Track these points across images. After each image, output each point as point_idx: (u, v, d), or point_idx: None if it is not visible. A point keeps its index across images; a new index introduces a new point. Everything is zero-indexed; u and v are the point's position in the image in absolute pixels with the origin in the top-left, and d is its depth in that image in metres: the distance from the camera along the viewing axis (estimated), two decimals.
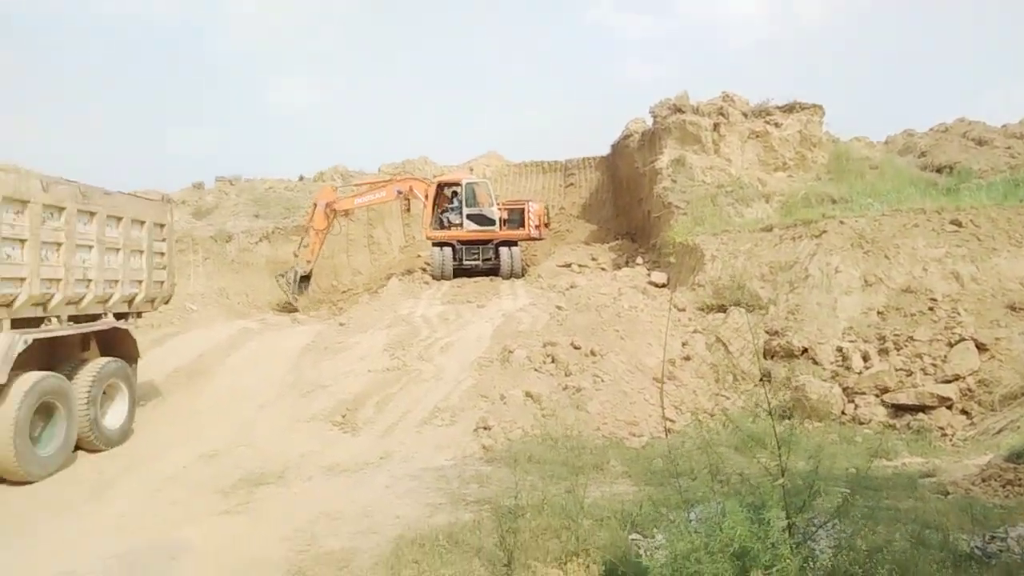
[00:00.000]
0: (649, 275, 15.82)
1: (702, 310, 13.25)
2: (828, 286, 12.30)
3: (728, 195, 16.50)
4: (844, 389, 10.60)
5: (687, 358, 11.28)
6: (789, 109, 18.96)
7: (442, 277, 18.84)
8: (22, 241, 7.34)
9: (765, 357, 11.54)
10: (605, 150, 25.34)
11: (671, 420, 9.35)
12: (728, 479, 6.17)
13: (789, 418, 9.17)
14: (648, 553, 4.79)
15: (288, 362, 12.52)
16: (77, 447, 8.21)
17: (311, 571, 5.13)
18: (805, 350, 11.39)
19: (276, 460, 8.27)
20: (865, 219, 13.46)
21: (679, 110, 18.98)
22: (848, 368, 10.93)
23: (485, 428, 8.98)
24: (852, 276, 12.40)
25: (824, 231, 13.26)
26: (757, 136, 18.78)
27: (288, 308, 19.11)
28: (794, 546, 3.60)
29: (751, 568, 3.60)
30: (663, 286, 15.01)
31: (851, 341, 11.41)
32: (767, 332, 11.94)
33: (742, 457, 7.19)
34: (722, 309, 12.86)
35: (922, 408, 10.00)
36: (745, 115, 19.02)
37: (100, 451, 8.50)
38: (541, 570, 4.37)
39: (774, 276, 13.11)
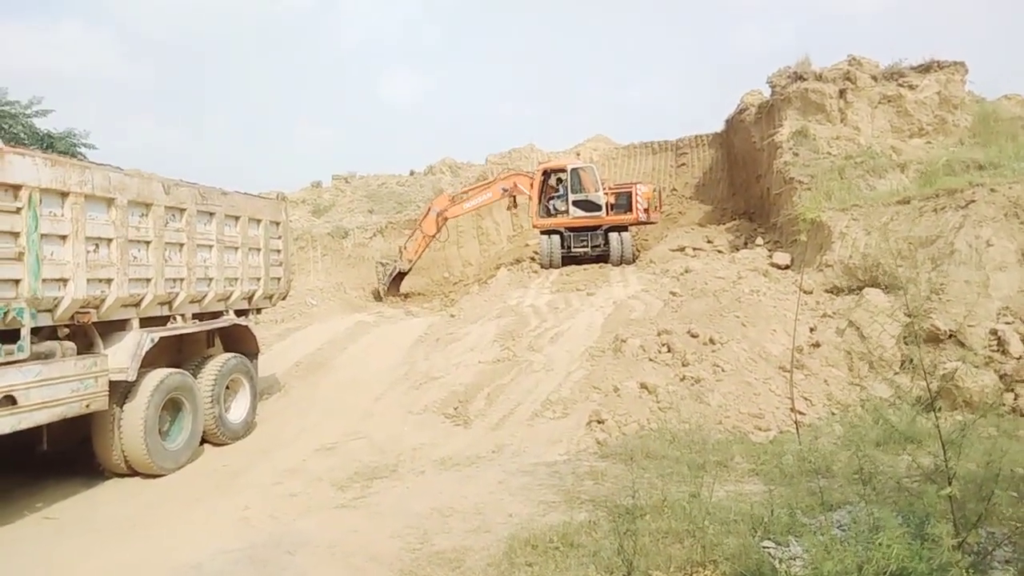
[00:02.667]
0: (770, 256, 14.89)
1: (831, 292, 12.27)
2: (978, 262, 11.04)
3: (857, 166, 15.21)
4: (1001, 376, 9.46)
5: (816, 345, 10.44)
6: (925, 69, 17.29)
7: (551, 265, 18.59)
8: (147, 243, 7.67)
9: (905, 342, 10.51)
10: (718, 126, 24.23)
11: (801, 413, 8.64)
12: (871, 480, 5.56)
13: (936, 410, 8.28)
14: (784, 565, 4.31)
15: (401, 354, 12.66)
16: (203, 441, 8.56)
17: (423, 572, 4.99)
18: (952, 334, 10.27)
19: (390, 453, 8.30)
20: (1021, 185, 11.99)
21: (800, 78, 17.73)
22: (1005, 353, 9.75)
23: (598, 422, 8.64)
24: (1007, 249, 11.07)
25: (972, 201, 11.92)
26: (889, 101, 17.25)
27: (377, 296, 19.74)
28: (967, 569, 3.05)
29: None
30: (786, 268, 14.07)
31: (1008, 323, 10.18)
32: (907, 315, 10.86)
33: (886, 455, 6.51)
34: (854, 290, 11.86)
35: None
36: (875, 79, 17.51)
37: (225, 444, 8.83)
38: None
39: (913, 253, 11.92)
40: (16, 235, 6.14)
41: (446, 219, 20.14)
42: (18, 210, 6.15)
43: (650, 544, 4.82)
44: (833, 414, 8.73)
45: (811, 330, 10.80)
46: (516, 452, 8.15)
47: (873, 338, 10.31)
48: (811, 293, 12.07)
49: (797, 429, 8.02)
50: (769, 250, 15.58)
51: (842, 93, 17.40)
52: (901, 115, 17.21)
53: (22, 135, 13.48)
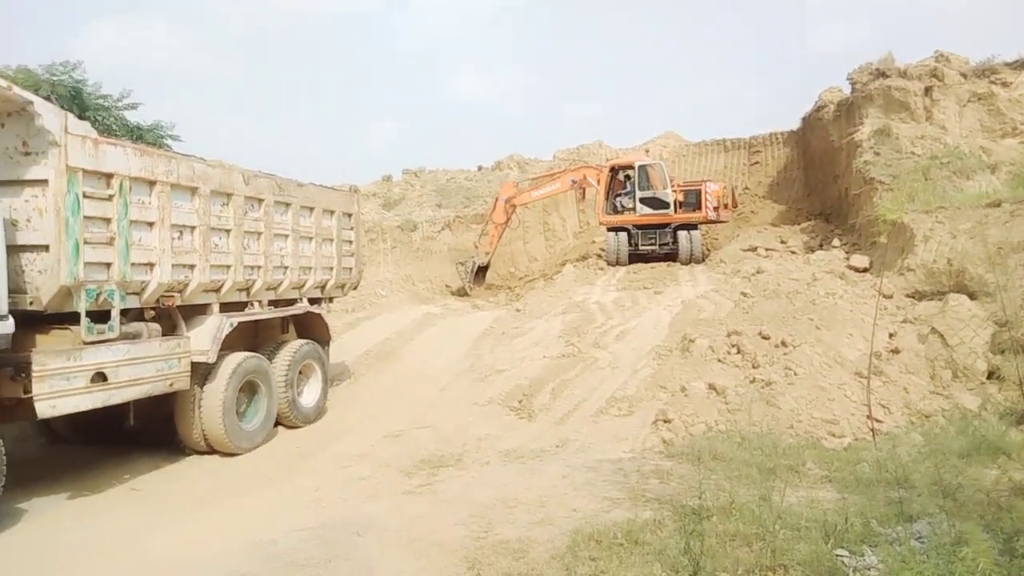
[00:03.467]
0: (847, 258, 14.38)
1: (912, 297, 11.76)
2: None
3: (943, 167, 14.53)
4: None
5: (895, 351, 10.03)
6: (1020, 66, 16.39)
7: (617, 263, 18.44)
8: (227, 231, 7.97)
9: (993, 351, 9.99)
10: (793, 124, 23.56)
11: (878, 420, 8.32)
12: (954, 492, 5.32)
13: None
14: (858, 574, 4.18)
15: (467, 346, 12.79)
16: (277, 423, 8.85)
17: (487, 560, 5.04)
18: None
19: (455, 442, 8.39)
20: None
21: (883, 75, 17.06)
22: None
23: (665, 421, 8.53)
24: None
25: None
26: (979, 99, 16.42)
27: (461, 294, 19.79)
28: None
29: None
30: (864, 271, 13.56)
31: None
32: (995, 323, 10.32)
33: (971, 467, 6.21)
34: (937, 296, 11.33)
35: None
36: (964, 76, 16.70)
37: (297, 427, 9.10)
38: None
39: (1004, 258, 11.32)
40: (108, 221, 6.47)
41: (514, 206, 20.11)
42: (110, 197, 6.48)
43: (717, 546, 4.74)
44: (912, 423, 8.37)
45: (890, 336, 10.38)
46: (580, 448, 8.13)
47: (958, 346, 9.84)
48: (891, 297, 11.60)
49: (874, 436, 7.75)
50: (846, 252, 15.06)
51: (928, 91, 16.67)
52: (992, 114, 16.37)
53: (114, 126, 14.15)
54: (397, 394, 10.69)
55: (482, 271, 20.38)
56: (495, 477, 7.06)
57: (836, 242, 16.35)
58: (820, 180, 21.02)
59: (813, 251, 16.21)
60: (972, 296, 10.72)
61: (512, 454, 7.89)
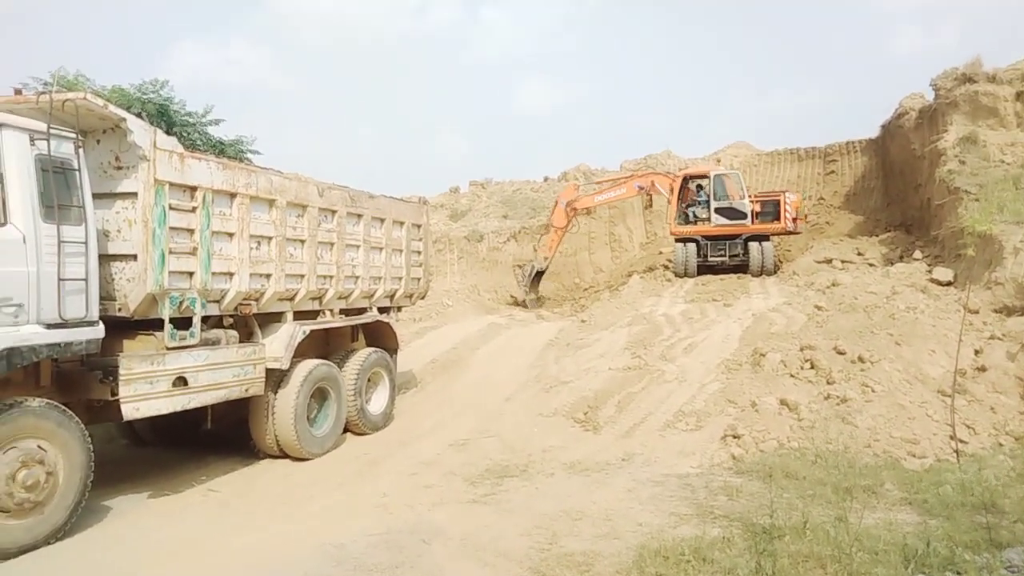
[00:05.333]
0: (930, 271, 13.75)
1: (1000, 312, 11.16)
2: None
3: None
4: None
5: (982, 368, 9.52)
6: None
7: (685, 274, 18.15)
8: (302, 241, 8.22)
9: None
10: (871, 132, 22.77)
11: (963, 441, 7.90)
12: None
13: None
14: None
15: (532, 357, 12.79)
16: (345, 430, 9.04)
17: (552, 571, 5.02)
18: None
19: (520, 453, 8.40)
20: None
21: (969, 80, 16.32)
22: None
23: (734, 436, 8.32)
24: None
25: None
26: None
27: (518, 303, 19.57)
28: None
29: None
30: (948, 284, 12.94)
31: None
32: None
33: None
34: None
35: None
36: None
37: (366, 434, 9.28)
38: None
39: None
40: (191, 232, 6.78)
41: (575, 210, 19.85)
42: (194, 209, 6.78)
43: (789, 567, 4.59)
44: (1000, 445, 7.92)
45: (976, 352, 9.86)
46: (646, 461, 8.01)
47: None
48: (977, 313, 11.03)
49: (958, 458, 7.36)
50: (928, 265, 14.41)
51: (1019, 95, 15.87)
52: None
53: (198, 142, 14.82)
54: (463, 403, 10.77)
55: (539, 276, 20.15)
56: (560, 488, 7.03)
57: (917, 254, 15.68)
58: (900, 190, 20.23)
59: (892, 263, 15.59)
60: None
61: (577, 466, 7.84)
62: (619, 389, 10.32)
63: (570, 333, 13.90)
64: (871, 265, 16.21)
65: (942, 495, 6.09)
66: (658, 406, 9.66)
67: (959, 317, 10.36)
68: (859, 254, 17.31)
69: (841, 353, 9.92)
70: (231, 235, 7.25)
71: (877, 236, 18.91)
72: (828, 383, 9.35)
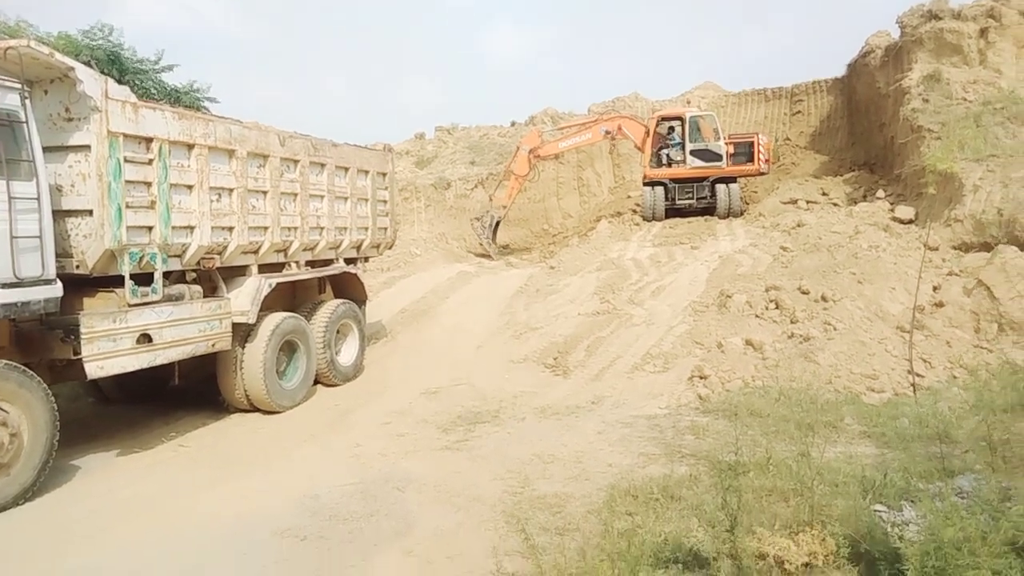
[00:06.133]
0: (892, 210, 13.96)
1: (959, 249, 11.42)
2: None
3: (997, 113, 13.89)
4: None
5: (940, 304, 9.78)
6: None
7: (654, 218, 18.18)
8: (264, 192, 8.04)
9: None
10: (838, 71, 22.71)
11: (919, 375, 8.17)
12: (999, 448, 5.22)
13: None
14: (896, 530, 4.14)
15: (502, 304, 12.83)
16: (316, 382, 9.03)
17: (525, 514, 5.12)
18: None
19: (491, 399, 8.49)
20: None
21: (935, 16, 16.28)
22: None
23: (701, 377, 8.50)
24: None
25: None
26: None
27: (482, 254, 18.98)
28: None
29: None
30: (910, 222, 13.17)
31: None
32: None
33: (1017, 421, 6.08)
34: (986, 248, 10.98)
35: None
36: None
37: (336, 386, 9.29)
38: (768, 538, 3.92)
39: None
40: (148, 185, 6.59)
41: (539, 157, 19.16)
42: (150, 161, 6.57)
43: (754, 501, 4.75)
44: (955, 377, 8.20)
45: (934, 289, 10.12)
46: (615, 404, 8.16)
47: (1005, 299, 9.56)
48: (937, 250, 11.28)
49: (915, 391, 7.62)
50: (891, 203, 14.61)
51: (983, 32, 15.89)
52: None
53: (152, 90, 14.28)
54: (433, 352, 10.81)
55: (498, 225, 19.30)
56: (531, 433, 7.15)
57: (880, 193, 15.87)
58: (865, 129, 20.34)
59: (856, 203, 15.79)
60: (1023, 247, 10.37)
61: (548, 411, 7.96)
62: (588, 334, 10.42)
63: (539, 280, 13.94)
64: (835, 205, 16.38)
65: (899, 428, 6.31)
66: (626, 349, 9.79)
67: (920, 255, 10.59)
68: (824, 194, 17.47)
69: (805, 293, 10.11)
70: (190, 187, 7.06)
71: (842, 176, 19.06)
72: (792, 322, 9.55)
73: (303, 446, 7.14)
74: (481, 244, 19.10)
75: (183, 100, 14.61)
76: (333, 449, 6.98)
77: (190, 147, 7.02)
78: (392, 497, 5.63)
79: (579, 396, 8.51)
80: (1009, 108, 13.94)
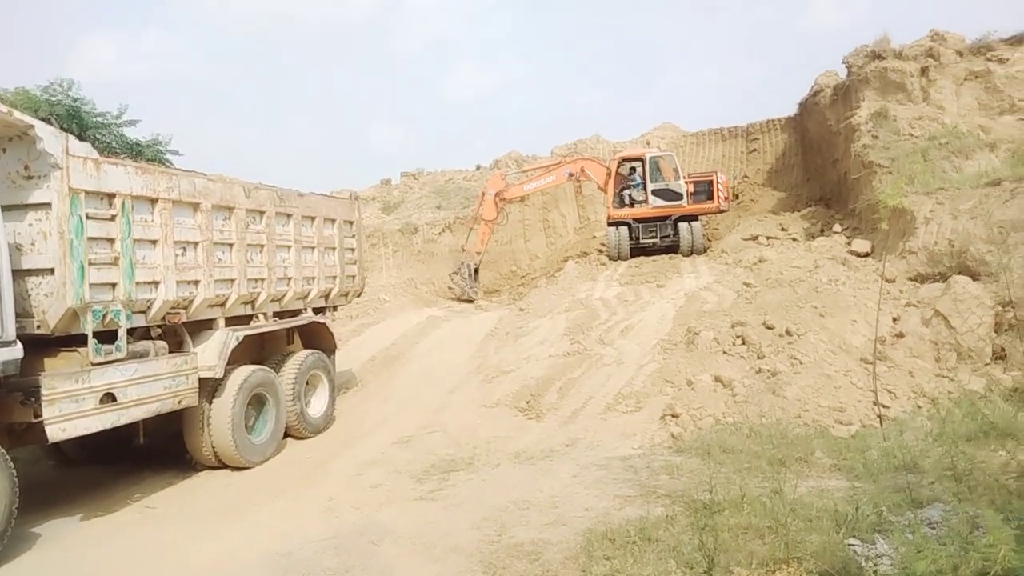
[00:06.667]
0: (849, 244, 14.38)
1: (915, 280, 11.78)
2: None
3: (942, 147, 14.50)
4: None
5: (900, 335, 10.04)
6: (1018, 41, 16.34)
7: (619, 257, 18.43)
8: (230, 245, 7.99)
9: (997, 332, 9.99)
10: (791, 110, 23.51)
11: (885, 406, 8.34)
12: (964, 477, 5.34)
13: None
14: (870, 564, 4.19)
15: (472, 348, 12.82)
16: (286, 435, 8.88)
17: (502, 563, 5.08)
18: None
19: (465, 446, 8.42)
20: None
21: (878, 56, 17.01)
22: None
23: (672, 415, 8.56)
24: None
25: None
26: (976, 77, 16.38)
27: (465, 300, 19.09)
28: None
29: None
30: (866, 255, 13.57)
31: None
32: (999, 303, 10.33)
33: (979, 449, 6.23)
34: (940, 278, 11.34)
35: None
36: (960, 54, 16.65)
37: (307, 438, 9.14)
38: None
39: (1004, 238, 11.32)
40: (111, 241, 6.50)
41: (505, 200, 19.42)
42: (113, 217, 6.51)
43: (730, 540, 4.77)
44: (919, 407, 8.38)
45: (894, 320, 10.39)
46: (590, 446, 8.15)
47: (962, 328, 9.85)
48: (894, 282, 11.61)
49: (881, 423, 7.77)
50: (848, 237, 15.06)
51: (924, 71, 16.63)
52: (990, 91, 16.33)
53: (114, 144, 14.20)
54: (405, 399, 10.72)
55: (476, 272, 19.58)
56: (506, 479, 7.10)
57: (837, 227, 16.35)
58: (819, 165, 21.00)
59: (814, 237, 16.22)
60: (975, 277, 10.73)
61: (522, 455, 7.91)
62: (560, 375, 10.45)
63: (509, 322, 13.98)
64: (794, 240, 16.80)
65: (867, 460, 6.41)
66: (598, 390, 9.83)
67: (878, 287, 10.88)
68: (783, 229, 17.92)
69: (770, 328, 10.29)
70: (154, 242, 6.99)
71: (799, 211, 19.59)
72: (759, 357, 9.69)
73: (274, 502, 6.98)
74: (465, 292, 19.17)
75: (145, 154, 14.53)
76: (305, 503, 6.84)
77: (153, 201, 6.97)
78: (367, 551, 5.52)
79: (553, 439, 8.49)
80: (953, 143, 14.56)
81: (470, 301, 18.81)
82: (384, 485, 7.21)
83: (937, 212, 12.29)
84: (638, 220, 18.61)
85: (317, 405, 9.55)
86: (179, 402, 7.18)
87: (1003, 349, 9.52)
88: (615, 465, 7.26)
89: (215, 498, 7.24)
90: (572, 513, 5.95)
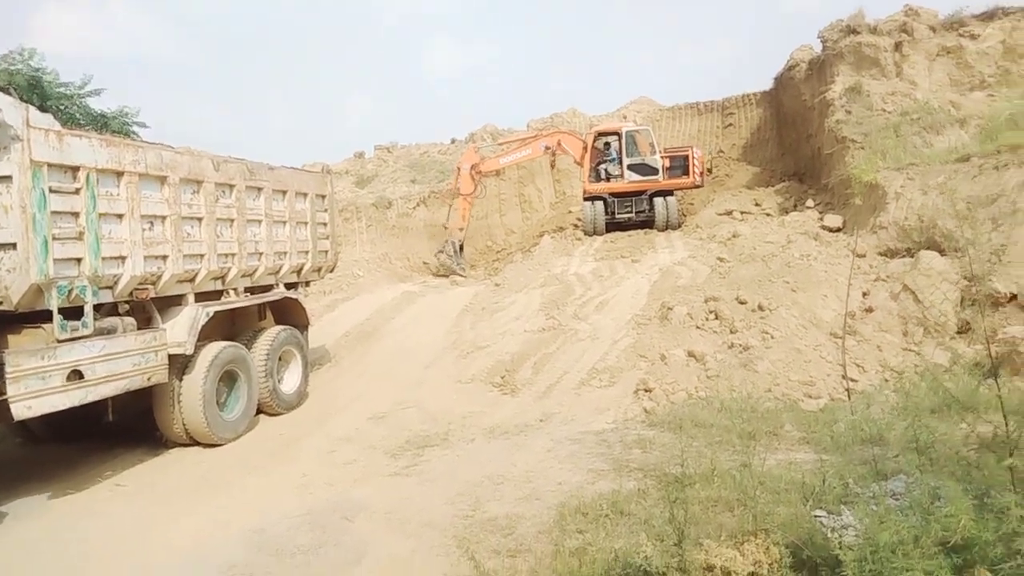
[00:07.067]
0: (821, 219, 14.52)
1: (885, 255, 11.94)
2: None
3: (914, 123, 14.63)
4: None
5: (869, 310, 10.20)
6: (989, 17, 16.44)
7: (594, 232, 18.43)
8: (199, 219, 7.85)
9: (963, 306, 10.19)
10: (766, 85, 23.54)
11: (853, 380, 8.49)
12: (927, 449, 5.45)
13: (995, 376, 8.01)
14: (836, 535, 4.28)
15: (448, 323, 12.79)
16: (258, 411, 8.82)
17: (476, 537, 5.11)
18: (1014, 296, 9.91)
19: (440, 421, 8.44)
20: None
21: (853, 31, 17.05)
22: None
23: (646, 390, 8.64)
24: None
25: None
26: (948, 52, 16.50)
27: (449, 273, 18.95)
28: None
29: (974, 564, 3.06)
30: (838, 230, 13.72)
31: None
32: (965, 277, 10.52)
33: (942, 422, 6.36)
34: (909, 253, 11.51)
35: None
36: (933, 30, 16.73)
37: (280, 414, 9.09)
38: (715, 550, 4.01)
39: (973, 213, 11.48)
40: (76, 215, 6.35)
41: (481, 173, 19.22)
42: (77, 191, 6.35)
43: (700, 513, 4.85)
44: (886, 381, 8.54)
45: (864, 295, 10.54)
46: (564, 420, 8.21)
47: (929, 302, 10.02)
48: (864, 256, 11.76)
49: (849, 397, 7.91)
50: (820, 212, 15.20)
51: (898, 46, 16.71)
52: (961, 67, 16.47)
53: (77, 116, 13.80)
54: (380, 375, 10.69)
55: (461, 248, 19.49)
56: (481, 454, 7.14)
57: (810, 202, 16.49)
58: (793, 140, 21.10)
59: (788, 212, 16.34)
60: (942, 252, 10.90)
61: (497, 430, 7.95)
62: (535, 351, 10.48)
63: (485, 297, 13.96)
64: (768, 215, 16.92)
65: (835, 433, 6.52)
66: (573, 365, 9.88)
67: (849, 262, 11.03)
68: (757, 205, 18.03)
69: (742, 303, 10.39)
70: (120, 216, 6.83)
71: (773, 186, 19.70)
72: (731, 332, 9.80)
73: (247, 479, 6.95)
74: (453, 270, 18.91)
75: (111, 126, 14.15)
76: (278, 480, 6.82)
77: (119, 175, 6.80)
78: (341, 527, 5.53)
79: (528, 414, 8.54)
80: (924, 118, 14.70)
81: (463, 277, 18.59)
82: (358, 461, 7.22)
83: (907, 187, 12.43)
84: (614, 195, 18.60)
85: (290, 381, 9.49)
86: (148, 379, 7.08)
87: (967, 323, 9.70)
88: (589, 439, 7.32)
89: (187, 475, 7.18)
90: (546, 487, 6.01)
